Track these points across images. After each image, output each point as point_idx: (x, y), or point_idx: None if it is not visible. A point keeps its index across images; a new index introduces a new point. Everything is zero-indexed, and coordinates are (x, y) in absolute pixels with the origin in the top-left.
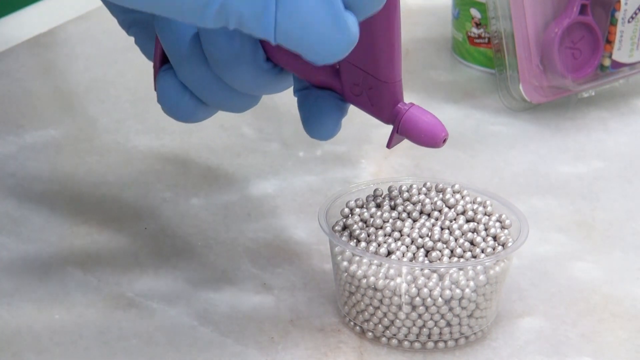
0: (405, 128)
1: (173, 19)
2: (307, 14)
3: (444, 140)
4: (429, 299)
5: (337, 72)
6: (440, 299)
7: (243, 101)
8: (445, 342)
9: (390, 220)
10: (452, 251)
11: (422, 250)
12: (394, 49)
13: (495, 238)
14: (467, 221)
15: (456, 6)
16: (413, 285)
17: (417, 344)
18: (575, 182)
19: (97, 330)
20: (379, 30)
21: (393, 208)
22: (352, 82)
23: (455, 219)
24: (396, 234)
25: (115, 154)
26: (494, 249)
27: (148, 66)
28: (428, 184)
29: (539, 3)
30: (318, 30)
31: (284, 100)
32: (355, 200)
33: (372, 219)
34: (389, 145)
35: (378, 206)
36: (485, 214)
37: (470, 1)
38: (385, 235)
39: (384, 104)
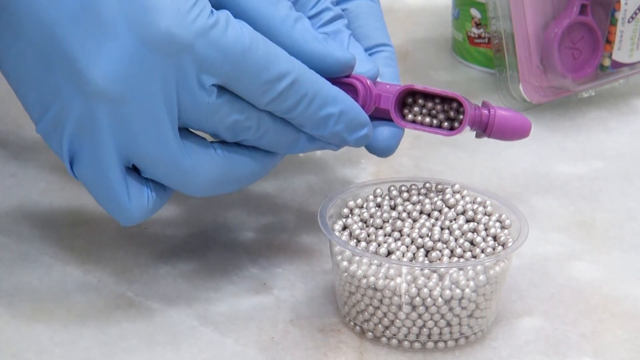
0: (497, 134)
1: None
2: (91, 185)
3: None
4: (429, 299)
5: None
6: (440, 299)
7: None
8: (445, 342)
9: (390, 220)
10: (452, 251)
11: (422, 250)
12: None
13: (495, 238)
14: (467, 221)
15: (456, 6)
16: (413, 285)
17: (417, 344)
18: (575, 182)
19: (97, 330)
20: None
21: (393, 208)
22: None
23: (455, 219)
24: (396, 234)
25: None
26: (494, 249)
27: None
28: (428, 184)
29: (539, 3)
30: (101, 201)
31: None
32: (355, 200)
33: (372, 219)
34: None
35: (378, 206)
36: (485, 214)
37: (470, 1)
38: (385, 235)
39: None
